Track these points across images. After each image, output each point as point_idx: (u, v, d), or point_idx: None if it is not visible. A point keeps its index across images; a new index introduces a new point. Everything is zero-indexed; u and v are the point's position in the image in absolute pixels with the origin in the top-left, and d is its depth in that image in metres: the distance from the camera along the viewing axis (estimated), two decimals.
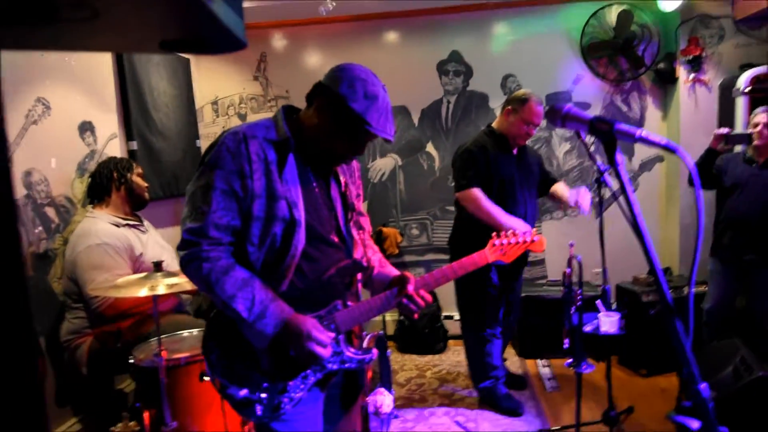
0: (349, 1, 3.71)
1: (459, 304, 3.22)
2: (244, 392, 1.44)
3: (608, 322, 2.41)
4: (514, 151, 3.00)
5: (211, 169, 1.39)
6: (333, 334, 1.49)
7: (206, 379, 1.44)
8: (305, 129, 1.48)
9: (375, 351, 1.63)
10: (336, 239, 1.54)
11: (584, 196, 2.86)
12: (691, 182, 2.98)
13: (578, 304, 2.30)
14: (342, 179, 1.61)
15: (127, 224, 2.65)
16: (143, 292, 1.99)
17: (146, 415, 2.15)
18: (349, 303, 1.55)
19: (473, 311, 3.12)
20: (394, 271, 1.68)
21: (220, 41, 0.50)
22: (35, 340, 0.36)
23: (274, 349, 1.42)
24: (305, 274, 1.47)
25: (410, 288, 1.57)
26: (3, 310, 0.37)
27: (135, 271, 2.52)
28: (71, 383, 2.72)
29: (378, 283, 1.66)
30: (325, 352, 1.42)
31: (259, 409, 1.44)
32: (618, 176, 0.83)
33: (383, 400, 2.39)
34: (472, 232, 2.83)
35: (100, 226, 2.55)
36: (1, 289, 0.37)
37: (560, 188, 3.09)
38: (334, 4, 3.50)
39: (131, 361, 2.21)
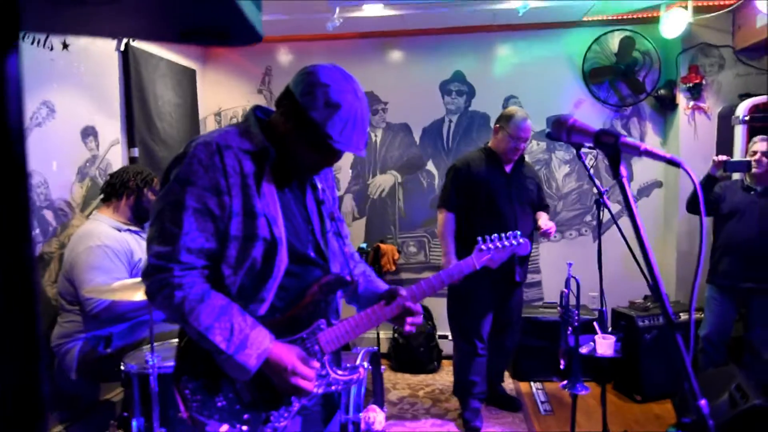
0: (354, 18, 3.76)
1: (448, 314, 3.26)
2: (224, 429, 1.31)
3: (605, 345, 2.40)
4: (508, 169, 3.08)
5: (181, 185, 1.24)
6: (318, 365, 1.39)
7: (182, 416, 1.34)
8: (276, 136, 1.34)
9: (362, 370, 1.56)
10: (313, 254, 1.41)
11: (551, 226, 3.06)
12: (689, 208, 2.97)
13: (575, 324, 2.29)
14: (319, 185, 1.47)
15: (129, 230, 2.65)
16: (138, 296, 1.98)
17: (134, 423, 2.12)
18: (332, 321, 1.44)
19: (458, 323, 3.19)
20: (383, 286, 1.58)
21: (240, 32, 0.50)
22: (39, 341, 0.36)
23: (255, 379, 1.31)
24: (285, 295, 1.36)
25: (408, 301, 1.48)
26: (11, 310, 0.37)
27: (132, 277, 2.51)
28: (59, 389, 2.68)
29: (365, 300, 1.56)
30: (309, 386, 1.33)
31: None
32: (622, 188, 0.83)
33: (375, 416, 2.36)
34: (458, 245, 2.99)
35: (102, 229, 2.55)
36: (10, 289, 0.37)
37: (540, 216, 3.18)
38: (342, 20, 3.55)
39: (122, 368, 2.19)
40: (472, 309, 3.11)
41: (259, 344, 1.26)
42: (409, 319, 1.50)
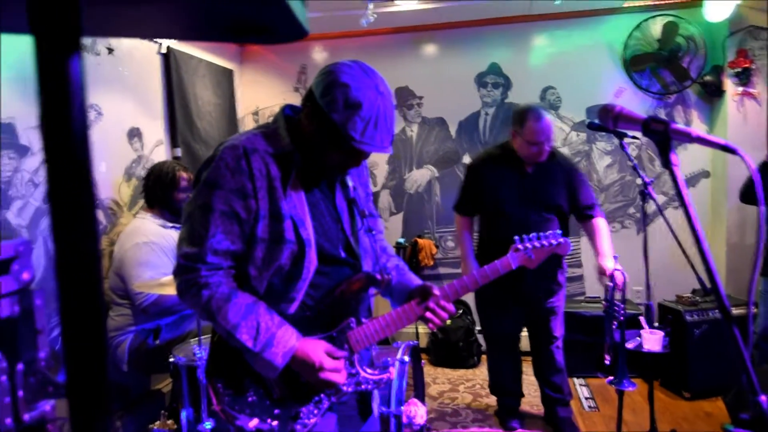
0: (388, 13, 3.76)
1: (479, 319, 3.20)
2: (254, 423, 1.34)
3: (652, 340, 2.32)
4: (530, 169, 2.75)
5: (209, 188, 1.28)
6: (345, 353, 1.40)
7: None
8: (302, 136, 1.34)
9: (392, 369, 1.54)
10: (344, 254, 1.42)
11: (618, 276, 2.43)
12: (743, 198, 2.83)
13: (621, 319, 2.23)
14: (350, 183, 1.45)
15: (173, 226, 2.74)
16: None
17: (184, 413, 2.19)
18: (363, 320, 1.44)
19: (484, 330, 3.12)
20: (416, 280, 1.57)
21: (287, 29, 0.51)
22: (105, 331, 0.38)
23: (284, 375, 1.33)
24: (315, 293, 1.37)
25: (431, 302, 1.46)
26: (81, 302, 0.39)
27: None
28: (111, 380, 2.79)
29: (398, 294, 1.55)
30: (339, 378, 1.35)
31: None
32: (673, 178, 0.81)
33: (417, 411, 2.36)
34: (492, 244, 2.84)
35: (148, 226, 2.65)
36: (80, 281, 0.38)
37: (603, 258, 2.73)
38: (376, 15, 3.55)
39: (171, 359, 2.26)
40: (494, 318, 3.00)
41: (285, 343, 1.28)
42: (430, 313, 1.47)
